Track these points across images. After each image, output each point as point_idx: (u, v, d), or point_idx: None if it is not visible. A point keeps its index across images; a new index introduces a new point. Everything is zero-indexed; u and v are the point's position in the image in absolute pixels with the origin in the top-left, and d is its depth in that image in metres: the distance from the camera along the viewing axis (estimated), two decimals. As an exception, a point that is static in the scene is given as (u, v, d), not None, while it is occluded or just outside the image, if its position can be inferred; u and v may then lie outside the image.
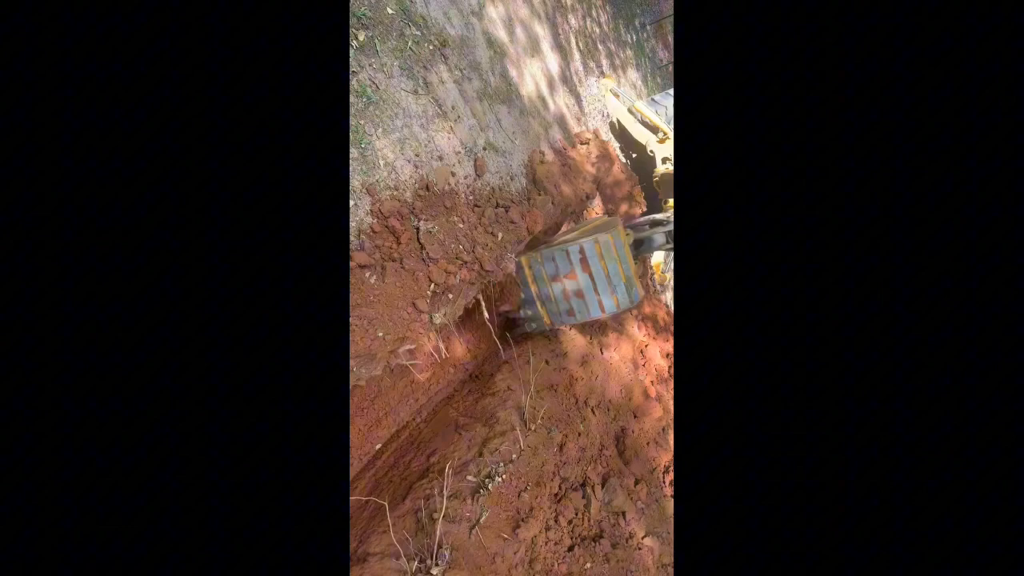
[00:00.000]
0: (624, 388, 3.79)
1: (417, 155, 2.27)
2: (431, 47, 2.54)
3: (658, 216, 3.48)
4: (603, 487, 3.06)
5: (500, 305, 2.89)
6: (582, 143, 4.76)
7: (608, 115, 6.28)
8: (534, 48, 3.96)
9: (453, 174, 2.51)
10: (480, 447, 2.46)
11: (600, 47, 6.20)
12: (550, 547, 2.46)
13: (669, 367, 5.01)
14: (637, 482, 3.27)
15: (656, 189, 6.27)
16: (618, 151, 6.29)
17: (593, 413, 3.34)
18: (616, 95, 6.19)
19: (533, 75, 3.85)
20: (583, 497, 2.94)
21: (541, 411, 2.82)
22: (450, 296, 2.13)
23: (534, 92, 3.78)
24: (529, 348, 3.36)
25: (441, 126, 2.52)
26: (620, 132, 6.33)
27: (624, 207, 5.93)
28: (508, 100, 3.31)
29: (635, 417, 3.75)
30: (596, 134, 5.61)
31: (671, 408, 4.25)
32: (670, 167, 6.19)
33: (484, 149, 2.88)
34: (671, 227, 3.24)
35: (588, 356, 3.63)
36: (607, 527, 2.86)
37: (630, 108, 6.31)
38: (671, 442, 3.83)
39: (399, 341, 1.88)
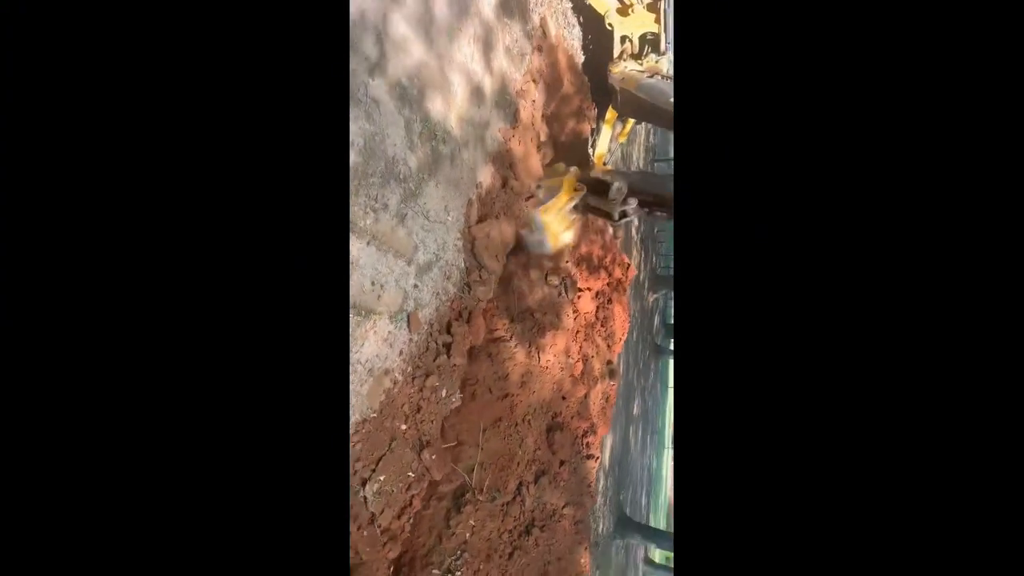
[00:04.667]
0: (556, 383, 4.30)
1: (354, 400, 1.99)
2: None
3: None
4: (536, 483, 3.93)
5: None
6: (524, 89, 3.77)
7: (560, -22, 4.69)
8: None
9: (387, 371, 2.23)
10: (439, 533, 3.05)
11: None
12: (497, 561, 3.40)
13: (597, 308, 5.45)
14: (562, 463, 4.17)
15: (612, 91, 5.26)
16: (572, 40, 4.96)
17: (530, 425, 3.92)
18: None
19: (464, 70, 2.78)
20: (518, 497, 3.80)
21: (487, 477, 3.35)
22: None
23: (466, 107, 2.83)
24: (478, 385, 3.60)
25: (367, 327, 2.09)
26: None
27: (571, 124, 5.18)
28: (435, 167, 2.54)
29: (563, 399, 4.41)
30: (543, 28, 4.40)
31: (594, 367, 4.91)
32: (632, 68, 5.08)
33: (415, 287, 2.43)
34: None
35: (527, 373, 3.95)
36: (537, 515, 3.84)
37: None
38: (591, 408, 4.64)
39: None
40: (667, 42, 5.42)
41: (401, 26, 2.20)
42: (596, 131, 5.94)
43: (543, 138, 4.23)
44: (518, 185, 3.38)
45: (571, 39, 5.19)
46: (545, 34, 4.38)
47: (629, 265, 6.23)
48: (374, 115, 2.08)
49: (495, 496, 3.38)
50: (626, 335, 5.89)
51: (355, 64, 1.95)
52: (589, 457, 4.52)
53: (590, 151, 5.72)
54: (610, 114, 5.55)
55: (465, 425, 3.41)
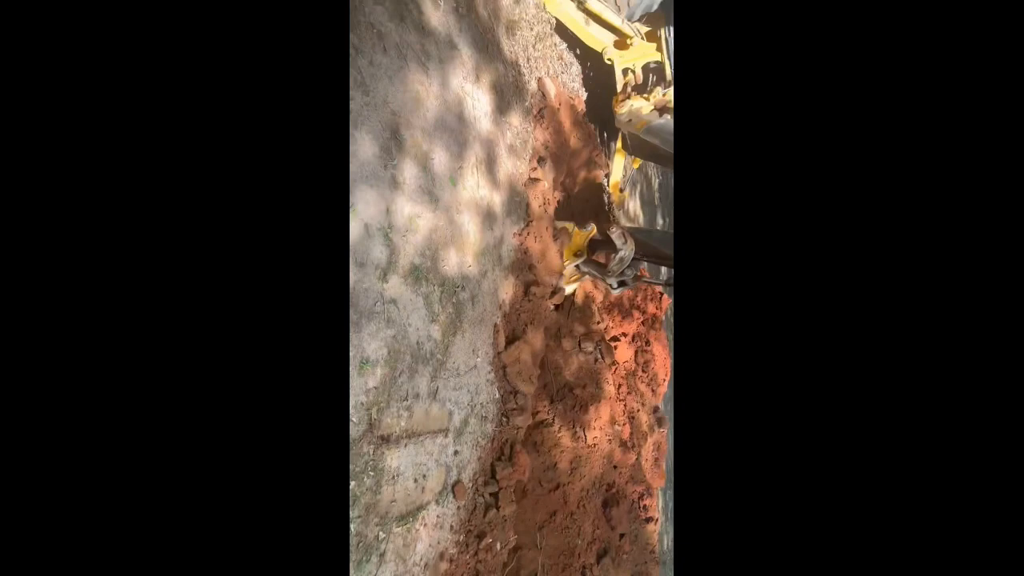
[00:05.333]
0: (606, 456, 4.22)
1: (411, 615, 1.99)
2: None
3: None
4: (599, 564, 3.90)
5: None
6: (532, 177, 3.62)
7: (554, 22, 4.48)
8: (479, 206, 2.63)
9: (443, 554, 2.22)
10: (513, 649, 3.07)
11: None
12: (572, 658, 3.42)
13: (635, 352, 5.31)
14: (622, 536, 4.12)
15: (623, 131, 4.99)
16: (573, 83, 4.74)
17: (585, 509, 3.87)
18: None
19: (478, 207, 2.68)
20: (584, 579, 3.79)
21: (551, 581, 3.34)
22: None
23: (480, 240, 2.73)
24: (528, 480, 3.57)
25: (418, 526, 2.07)
26: (570, 38, 4.62)
27: (583, 174, 4.99)
28: (459, 319, 2.47)
29: (615, 468, 4.33)
30: (542, 90, 4.23)
31: (641, 422, 4.80)
32: (641, 106, 4.82)
33: (455, 454, 2.40)
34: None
35: (576, 458, 3.90)
36: (604, 594, 3.82)
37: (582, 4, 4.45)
38: (643, 468, 4.55)
39: None
40: (673, 70, 5.12)
41: (406, 208, 2.12)
42: (608, 160, 5.71)
43: (558, 201, 4.09)
44: (540, 290, 3.27)
45: (571, 82, 4.97)
46: (544, 95, 4.19)
47: (662, 295, 6.02)
48: (393, 316, 2.02)
49: (561, 601, 3.37)
50: (670, 374, 5.73)
51: (368, 281, 1.89)
52: (648, 520, 4.46)
53: (604, 182, 5.52)
54: (620, 143, 5.34)
55: (522, 526, 3.40)
